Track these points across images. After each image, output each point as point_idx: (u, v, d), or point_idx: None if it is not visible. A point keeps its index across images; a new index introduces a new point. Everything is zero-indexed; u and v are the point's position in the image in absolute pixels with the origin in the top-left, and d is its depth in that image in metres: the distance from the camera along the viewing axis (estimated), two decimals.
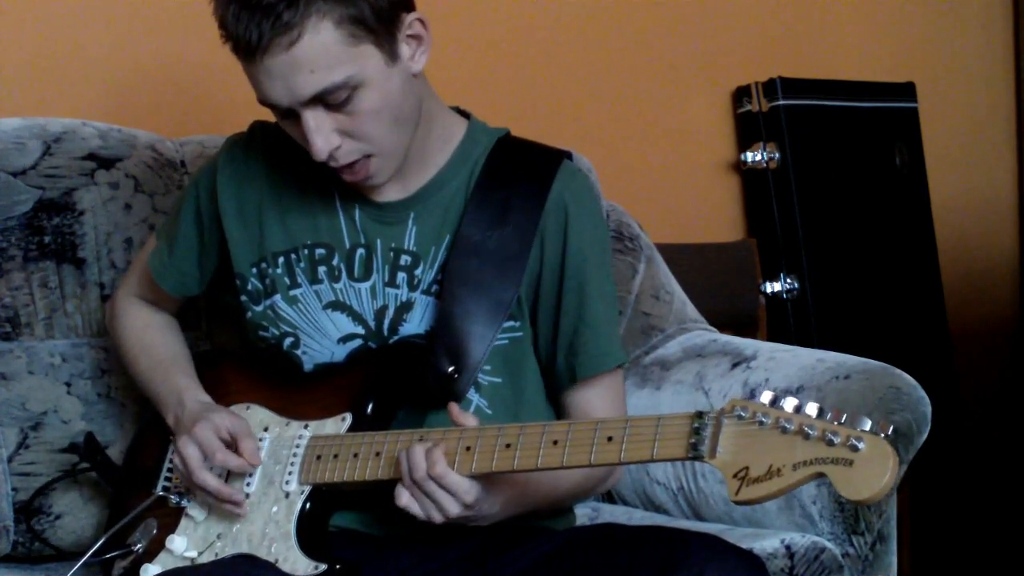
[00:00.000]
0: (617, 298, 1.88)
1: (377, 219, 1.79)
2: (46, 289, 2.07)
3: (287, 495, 1.70)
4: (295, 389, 1.79)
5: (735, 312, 2.98)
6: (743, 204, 3.16)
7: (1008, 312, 3.62)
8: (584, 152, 2.45)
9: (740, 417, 1.40)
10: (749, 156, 3.09)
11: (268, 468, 1.73)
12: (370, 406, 1.72)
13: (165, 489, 1.81)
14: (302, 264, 1.80)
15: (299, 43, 1.59)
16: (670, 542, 1.57)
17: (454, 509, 1.58)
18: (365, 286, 1.79)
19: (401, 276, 1.77)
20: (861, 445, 1.33)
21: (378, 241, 1.78)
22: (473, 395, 1.76)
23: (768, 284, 3.08)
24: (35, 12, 2.36)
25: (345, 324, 1.79)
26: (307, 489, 1.69)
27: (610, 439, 1.49)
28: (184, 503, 1.78)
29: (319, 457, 1.69)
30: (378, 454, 1.63)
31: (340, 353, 1.79)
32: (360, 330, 1.78)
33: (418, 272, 1.77)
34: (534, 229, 1.76)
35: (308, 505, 1.68)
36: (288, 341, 1.81)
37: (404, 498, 1.59)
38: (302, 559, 1.65)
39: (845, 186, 3.20)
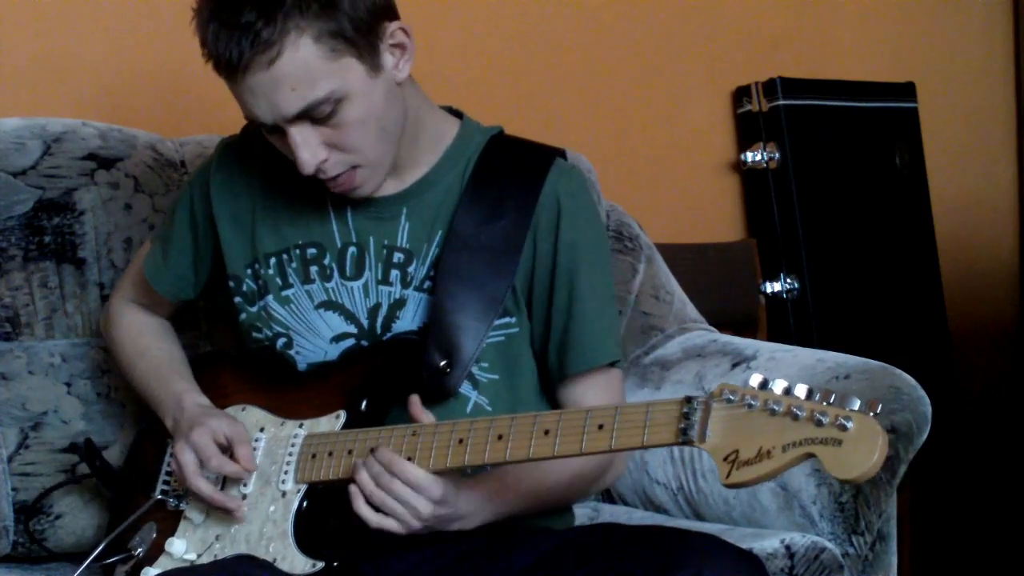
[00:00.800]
0: (615, 296, 1.88)
1: (369, 217, 1.79)
2: (46, 289, 2.07)
3: (284, 494, 1.70)
4: (290, 389, 1.79)
5: (735, 312, 2.98)
6: (743, 204, 3.16)
7: (1008, 312, 3.62)
8: (584, 152, 2.45)
9: (729, 401, 1.41)
10: (749, 156, 3.09)
11: (264, 468, 1.73)
12: (364, 403, 1.72)
13: (164, 492, 1.82)
14: (294, 264, 1.81)
15: (279, 61, 1.59)
16: (670, 542, 1.58)
17: (425, 507, 1.58)
18: (357, 284, 1.79)
19: (394, 273, 1.78)
20: (850, 424, 1.34)
21: (371, 239, 1.79)
22: (471, 392, 1.76)
23: (768, 284, 3.08)
24: (35, 13, 2.36)
25: (337, 323, 1.79)
26: (303, 488, 1.69)
27: (601, 427, 1.49)
28: (183, 506, 1.78)
29: (314, 456, 1.69)
30: (373, 451, 1.63)
31: (333, 352, 1.79)
32: (352, 329, 1.79)
33: (411, 269, 1.77)
34: (527, 224, 1.76)
35: (305, 504, 1.68)
36: (281, 342, 1.81)
37: (374, 517, 1.60)
38: (300, 558, 1.65)
39: (845, 186, 3.20)
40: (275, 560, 1.66)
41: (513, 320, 1.78)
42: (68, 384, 2.07)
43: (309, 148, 1.65)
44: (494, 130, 1.84)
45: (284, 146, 1.68)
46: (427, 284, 1.76)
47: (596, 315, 1.79)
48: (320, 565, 1.63)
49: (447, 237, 1.76)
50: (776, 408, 1.37)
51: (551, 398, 1.83)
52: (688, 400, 1.44)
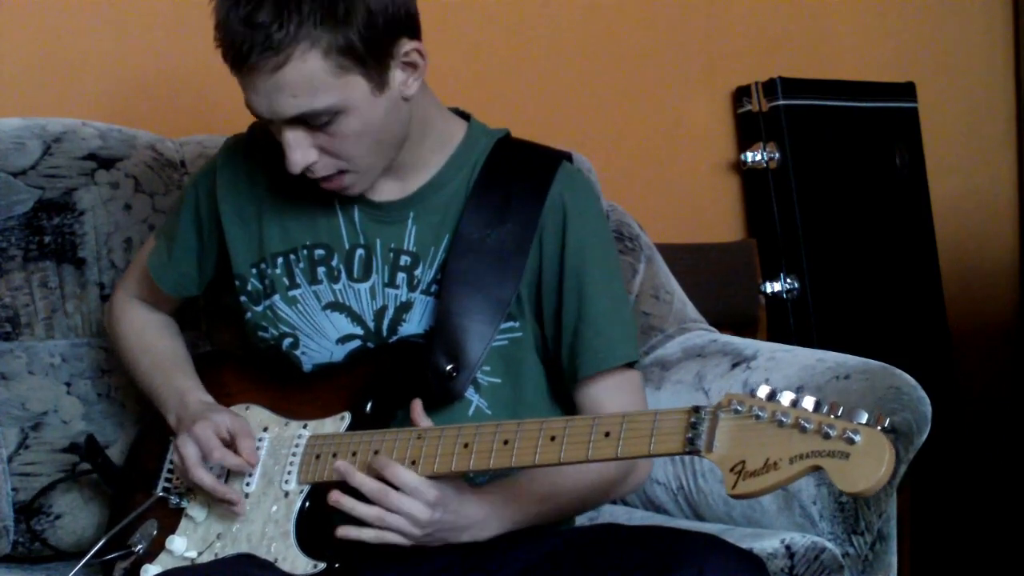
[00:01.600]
0: (628, 298, 1.87)
1: (376, 219, 1.79)
2: (46, 289, 2.07)
3: (286, 494, 1.70)
4: (294, 389, 1.79)
5: (735, 312, 2.98)
6: (743, 204, 3.16)
7: (1008, 312, 3.62)
8: (584, 152, 2.45)
9: (737, 411, 1.41)
10: (749, 156, 3.09)
11: (267, 468, 1.73)
12: (369, 405, 1.72)
13: (165, 490, 1.82)
14: (301, 265, 1.81)
15: (285, 68, 1.60)
16: (670, 542, 1.58)
17: (422, 512, 1.58)
18: (364, 287, 1.79)
19: (401, 276, 1.78)
20: (857, 438, 1.34)
21: (377, 241, 1.79)
22: (473, 395, 1.76)
23: (768, 284, 3.08)
24: (36, 13, 2.36)
25: (344, 325, 1.79)
26: (306, 488, 1.69)
27: (607, 434, 1.49)
28: (184, 504, 1.78)
29: (318, 456, 1.69)
30: (376, 452, 1.63)
31: (339, 354, 1.79)
32: (359, 331, 1.79)
33: (417, 272, 1.77)
34: (533, 228, 1.76)
35: (307, 504, 1.68)
36: (287, 342, 1.81)
37: (373, 533, 1.60)
38: (301, 558, 1.65)
39: (845, 186, 3.20)
40: (276, 560, 1.66)
41: (517, 324, 1.78)
42: (68, 384, 2.07)
43: (300, 150, 1.66)
44: (501, 133, 1.84)
45: (278, 139, 1.69)
46: (434, 288, 1.76)
47: (607, 316, 1.78)
48: (322, 566, 1.63)
49: (453, 241, 1.76)
50: (784, 420, 1.38)
51: (567, 402, 1.81)
52: (696, 410, 1.44)
